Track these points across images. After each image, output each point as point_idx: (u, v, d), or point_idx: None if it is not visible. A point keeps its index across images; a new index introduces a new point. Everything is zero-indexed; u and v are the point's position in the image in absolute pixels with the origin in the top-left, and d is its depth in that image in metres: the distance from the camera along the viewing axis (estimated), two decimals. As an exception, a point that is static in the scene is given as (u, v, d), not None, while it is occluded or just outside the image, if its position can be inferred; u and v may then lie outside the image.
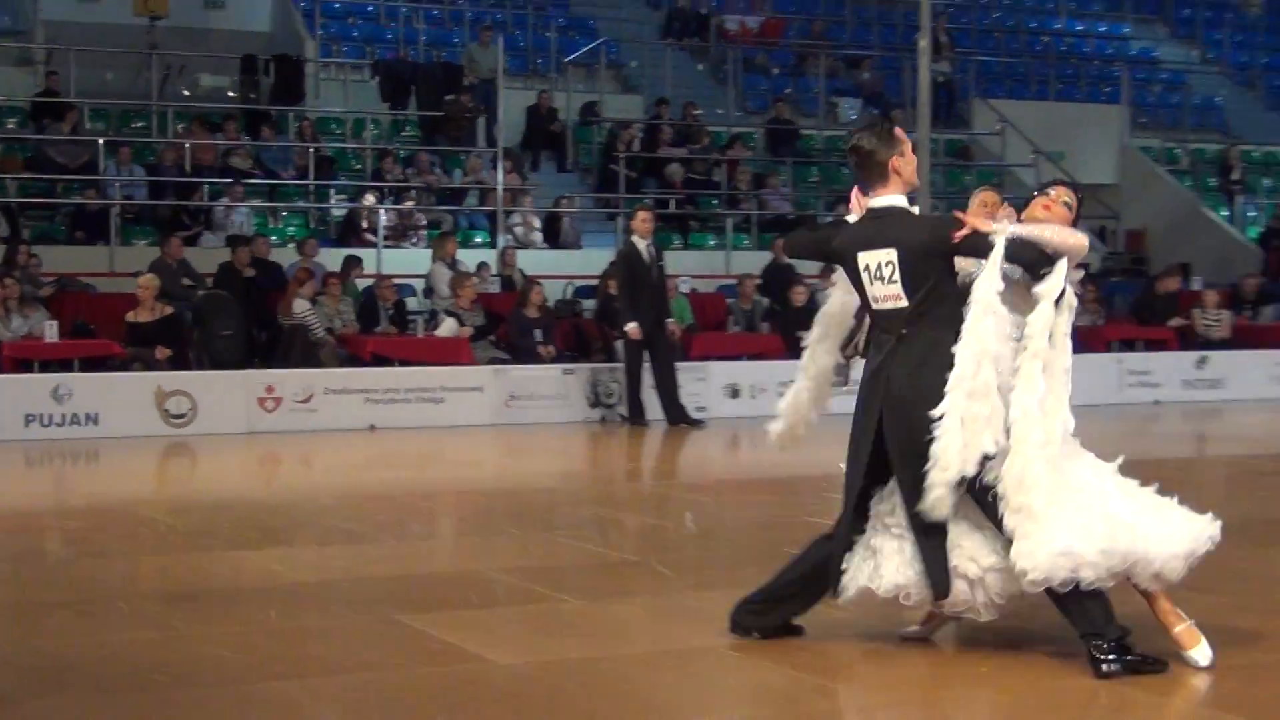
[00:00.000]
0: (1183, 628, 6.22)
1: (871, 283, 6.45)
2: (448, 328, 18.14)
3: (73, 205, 20.16)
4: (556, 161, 23.99)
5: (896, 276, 6.34)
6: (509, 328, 18.29)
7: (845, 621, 7.03)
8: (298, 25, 24.40)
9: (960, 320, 6.24)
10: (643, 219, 17.35)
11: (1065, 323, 6.27)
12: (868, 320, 6.82)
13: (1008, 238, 6.18)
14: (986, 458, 6.10)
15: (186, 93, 23.41)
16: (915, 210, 6.64)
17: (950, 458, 6.06)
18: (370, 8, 26.12)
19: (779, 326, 19.53)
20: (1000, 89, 27.59)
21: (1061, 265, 6.21)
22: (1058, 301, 6.19)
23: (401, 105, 23.62)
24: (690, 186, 23.32)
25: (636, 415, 17.16)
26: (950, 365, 6.17)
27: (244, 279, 17.92)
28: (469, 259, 19.65)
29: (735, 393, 18.47)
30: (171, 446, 15.69)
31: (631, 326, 16.71)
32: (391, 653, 6.84)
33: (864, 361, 6.82)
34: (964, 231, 6.25)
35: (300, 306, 17.46)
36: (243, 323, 17.37)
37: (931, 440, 6.14)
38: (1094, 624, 6.05)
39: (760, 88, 26.74)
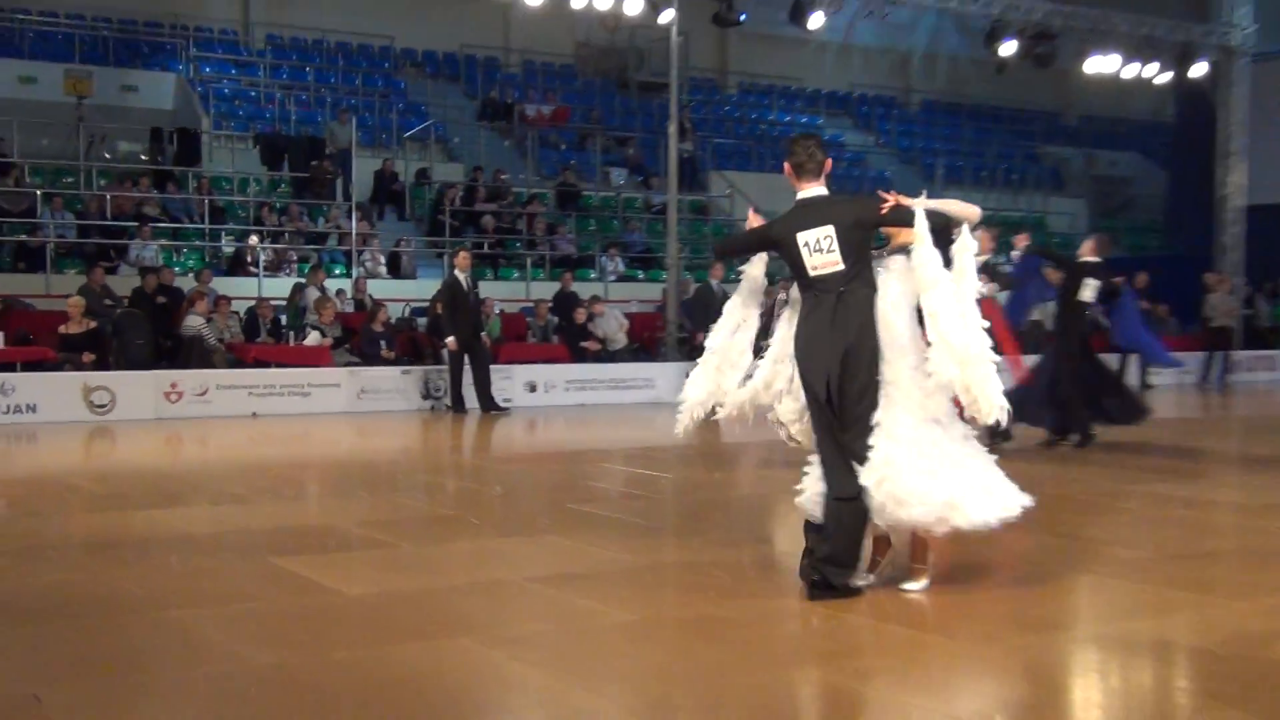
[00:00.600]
0: (924, 567, 6.41)
1: (811, 255, 6.31)
2: (313, 339, 18.01)
3: (15, 242, 19.55)
4: (397, 213, 23.84)
5: (835, 247, 6.26)
6: (361, 339, 18.15)
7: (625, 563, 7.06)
8: (195, 105, 24.01)
9: (874, 280, 6.31)
10: (463, 257, 17.43)
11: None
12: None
13: (924, 210, 6.23)
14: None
15: (108, 155, 22.88)
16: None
17: (990, 388, 6.07)
18: (252, 92, 25.70)
19: (565, 339, 19.64)
20: (729, 163, 28.00)
21: (966, 229, 6.31)
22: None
23: (277, 168, 23.33)
24: (499, 233, 23.31)
25: (458, 405, 17.16)
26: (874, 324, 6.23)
27: (153, 301, 17.53)
28: (329, 286, 19.42)
29: (533, 388, 18.54)
30: (95, 430, 15.26)
31: (450, 340, 16.78)
32: (266, 587, 6.75)
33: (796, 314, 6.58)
34: (889, 205, 6.28)
35: (195, 321, 17.24)
36: (152, 334, 17.00)
37: (871, 386, 6.19)
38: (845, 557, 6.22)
39: (552, 159, 26.82)
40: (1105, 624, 6.23)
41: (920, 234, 6.18)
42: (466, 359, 17.10)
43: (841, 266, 6.27)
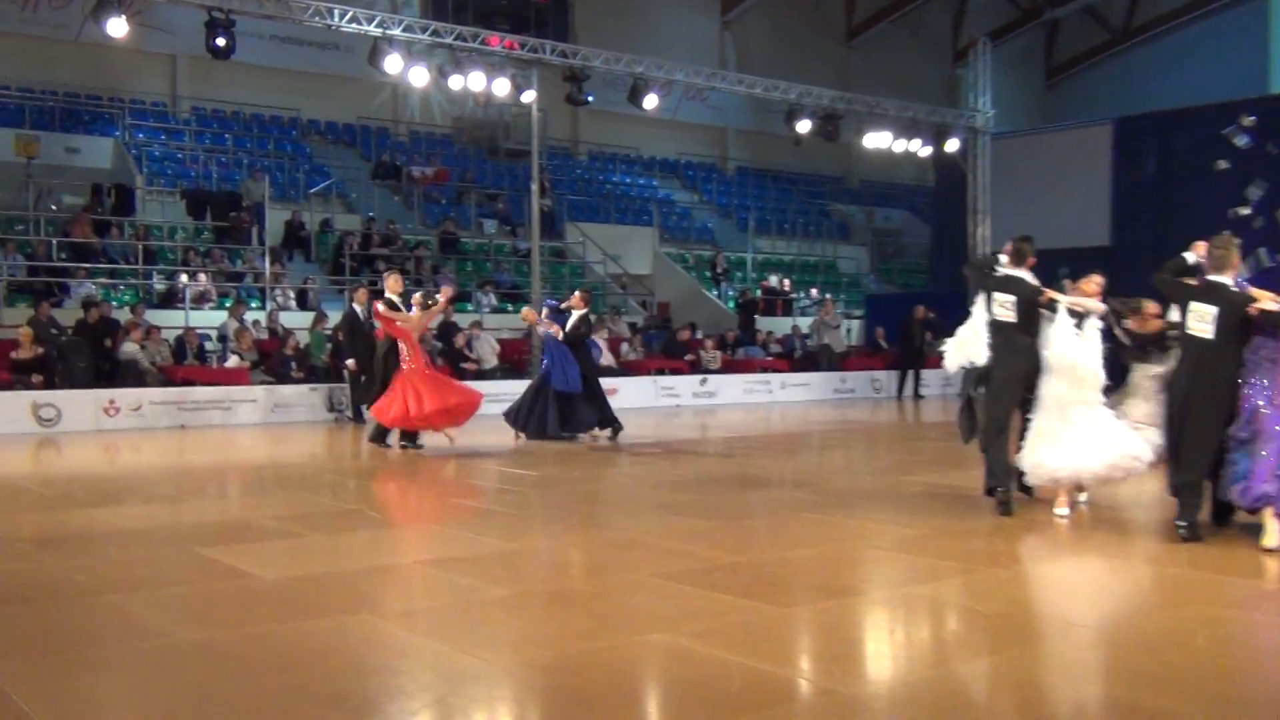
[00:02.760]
0: (1062, 499, 8.15)
1: (999, 308, 8.27)
2: (233, 362, 17.60)
3: (-28, 281, 18.77)
4: (304, 255, 23.34)
5: (1012, 308, 8.20)
6: (274, 362, 17.76)
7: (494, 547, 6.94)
8: (130, 165, 23.28)
9: (1034, 330, 8.16)
10: (361, 293, 17.07)
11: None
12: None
13: (1066, 303, 8.04)
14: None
15: (54, 207, 21.98)
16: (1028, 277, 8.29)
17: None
18: (179, 154, 24.99)
19: (448, 361, 19.46)
20: (581, 215, 27.98)
21: (1093, 317, 8.06)
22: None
23: (201, 218, 22.71)
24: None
25: (357, 417, 16.82)
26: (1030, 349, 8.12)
27: (94, 330, 16.94)
28: (247, 318, 18.95)
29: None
30: (43, 441, 14.64)
31: (350, 362, 16.48)
32: (192, 573, 6.53)
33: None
34: (1045, 297, 8.10)
35: (130, 348, 16.73)
36: (93, 359, 16.47)
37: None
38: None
39: (434, 211, 26.51)
40: (890, 589, 6.32)
41: (1060, 317, 8.03)
42: (364, 378, 16.82)
43: (1014, 320, 8.19)
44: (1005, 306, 8.25)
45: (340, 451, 13.91)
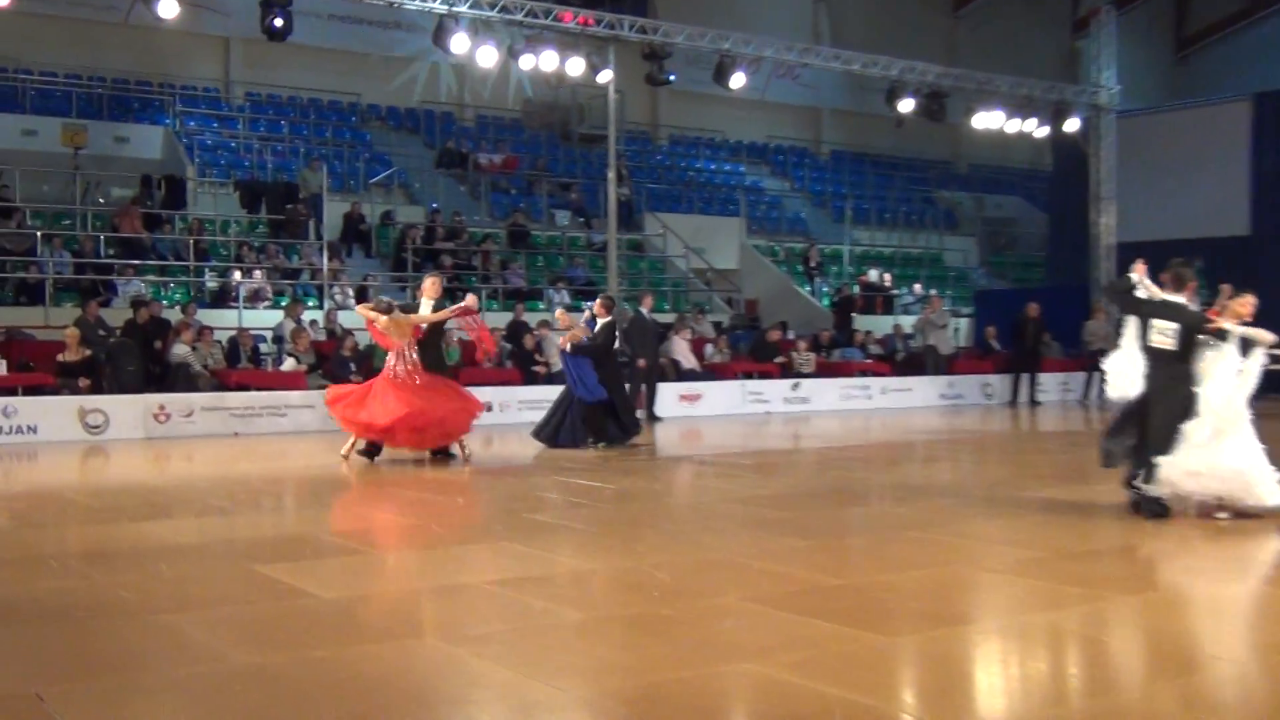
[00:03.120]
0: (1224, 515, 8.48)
1: (1156, 335, 8.52)
2: (289, 364, 17.87)
3: (17, 278, 19.28)
4: (364, 250, 23.67)
5: (1173, 335, 8.43)
6: (332, 364, 17.99)
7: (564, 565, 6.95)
8: (181, 154, 23.80)
9: (1189, 358, 8.50)
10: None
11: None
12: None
13: (1237, 334, 8.39)
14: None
15: (101, 200, 22.56)
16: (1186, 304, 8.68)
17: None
18: (232, 143, 25.47)
19: (517, 363, 19.56)
20: (662, 205, 28.00)
21: (1260, 349, 8.48)
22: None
23: (255, 210, 23.13)
24: (457, 268, 23.17)
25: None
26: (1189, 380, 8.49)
27: (144, 331, 17.32)
28: (304, 318, 19.25)
29: (490, 408, 18.36)
30: (90, 449, 15.01)
31: (416, 364, 16.68)
32: (248, 592, 6.62)
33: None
34: (1212, 326, 8.41)
35: (181, 350, 17.07)
36: (142, 361, 16.83)
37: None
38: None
39: (503, 202, 26.72)
40: (1005, 617, 6.22)
41: (1228, 347, 8.38)
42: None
43: (1173, 348, 8.46)
44: (1164, 334, 8.50)
45: (402, 461, 14.05)
